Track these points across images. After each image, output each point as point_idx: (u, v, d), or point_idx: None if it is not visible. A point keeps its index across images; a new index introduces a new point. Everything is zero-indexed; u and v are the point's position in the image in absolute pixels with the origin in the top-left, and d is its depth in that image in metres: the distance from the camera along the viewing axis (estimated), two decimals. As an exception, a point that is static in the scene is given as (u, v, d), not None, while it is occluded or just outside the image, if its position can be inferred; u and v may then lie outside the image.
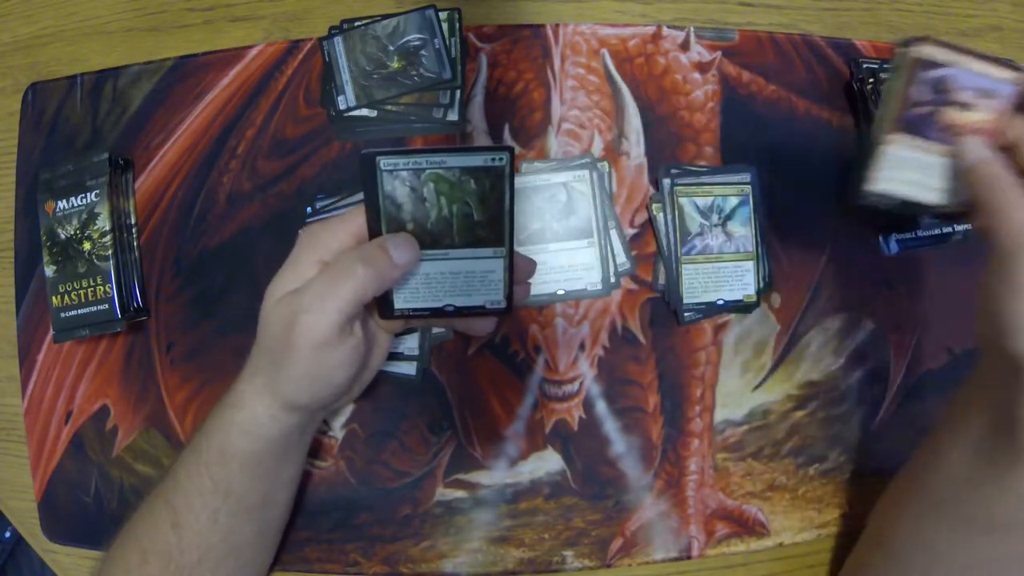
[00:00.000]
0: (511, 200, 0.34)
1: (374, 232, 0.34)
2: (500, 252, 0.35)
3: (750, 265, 0.47)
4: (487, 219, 0.34)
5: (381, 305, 0.36)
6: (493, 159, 0.32)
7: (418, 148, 0.33)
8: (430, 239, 0.34)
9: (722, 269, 0.47)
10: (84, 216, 0.46)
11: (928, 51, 0.34)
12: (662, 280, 0.48)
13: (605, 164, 0.48)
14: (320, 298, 0.32)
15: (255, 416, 0.36)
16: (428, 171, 0.33)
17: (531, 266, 0.38)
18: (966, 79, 0.34)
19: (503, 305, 0.36)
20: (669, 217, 0.47)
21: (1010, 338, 0.30)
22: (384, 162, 0.32)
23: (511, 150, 0.33)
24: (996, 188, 0.31)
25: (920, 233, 0.48)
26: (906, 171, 0.36)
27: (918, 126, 0.36)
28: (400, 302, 0.36)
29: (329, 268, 0.33)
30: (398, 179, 0.33)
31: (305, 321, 0.32)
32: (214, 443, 0.36)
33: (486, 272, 0.36)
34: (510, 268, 0.35)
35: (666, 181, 0.47)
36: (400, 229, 0.34)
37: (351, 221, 0.35)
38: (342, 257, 0.33)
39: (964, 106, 0.35)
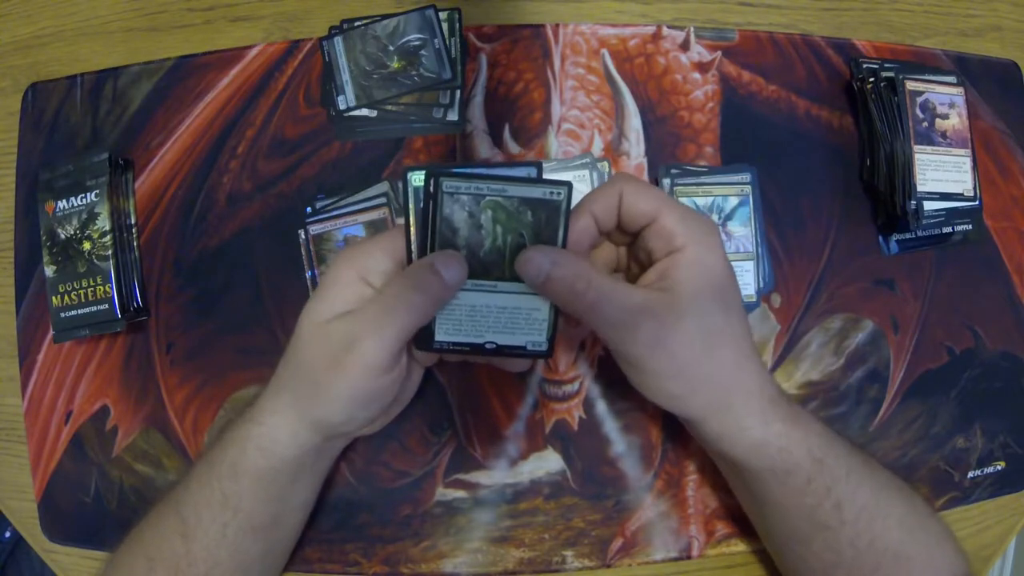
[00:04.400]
0: (564, 236, 0.33)
1: (416, 254, 0.34)
2: None
3: (750, 265, 0.47)
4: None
5: (420, 336, 0.35)
6: (552, 192, 0.32)
7: (479, 172, 0.32)
8: (481, 268, 0.33)
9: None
10: (84, 216, 0.46)
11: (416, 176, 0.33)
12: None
13: (605, 164, 0.48)
14: (379, 325, 0.32)
15: (274, 433, 0.36)
16: (488, 198, 0.32)
17: None
18: (939, 98, 0.42)
19: (544, 348, 0.35)
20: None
21: (666, 407, 0.34)
22: (447, 184, 0.32)
23: (570, 185, 0.32)
24: (576, 294, 0.31)
25: (920, 233, 0.48)
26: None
27: (928, 137, 0.44)
28: (441, 334, 0.35)
29: (385, 295, 0.33)
30: (458, 203, 0.32)
31: (364, 346, 0.32)
32: (228, 456, 0.36)
33: (531, 310, 0.34)
34: (556, 308, 0.34)
35: (666, 181, 0.47)
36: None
37: (388, 241, 0.35)
38: (395, 284, 0.33)
39: (944, 117, 0.42)
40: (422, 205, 0.32)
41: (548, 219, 0.33)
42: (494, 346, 0.35)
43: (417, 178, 0.33)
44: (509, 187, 0.32)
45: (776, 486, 0.35)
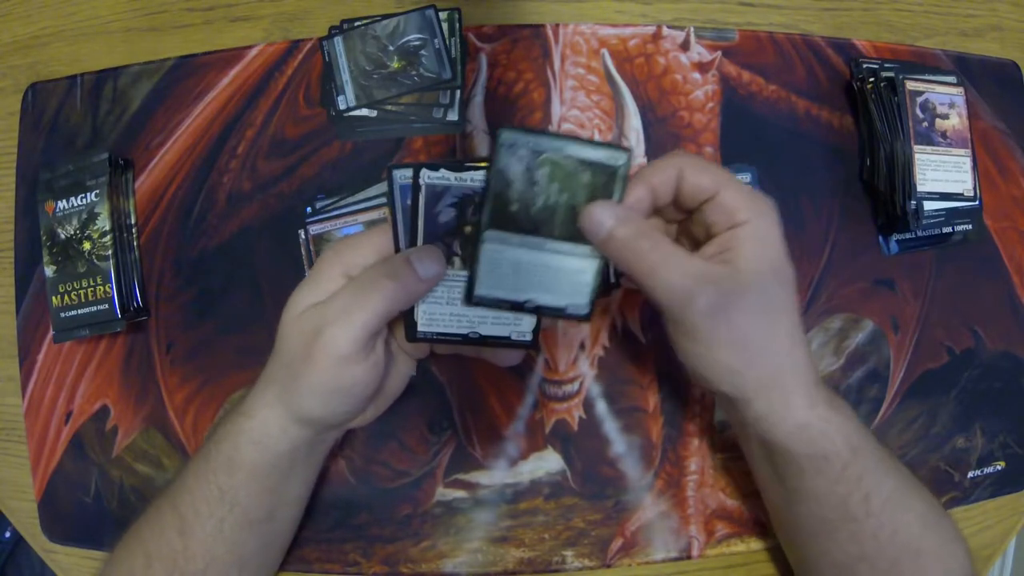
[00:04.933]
0: (620, 202, 0.33)
1: (402, 245, 0.34)
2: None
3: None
4: None
5: (407, 326, 0.35)
6: (613, 156, 0.32)
7: (541, 129, 0.32)
8: (531, 225, 0.33)
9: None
10: (84, 216, 0.46)
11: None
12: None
13: (605, 164, 0.48)
14: (346, 312, 0.32)
15: (265, 426, 0.36)
16: (546, 155, 0.32)
17: None
18: (939, 98, 0.43)
19: (585, 311, 0.35)
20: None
21: (714, 383, 0.33)
22: (505, 135, 0.31)
23: (631, 151, 0.32)
24: (638, 253, 0.31)
25: (920, 233, 0.48)
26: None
27: (928, 137, 0.44)
28: (481, 288, 0.34)
29: (355, 282, 0.33)
30: (515, 156, 0.32)
31: (330, 334, 0.32)
32: (223, 450, 0.36)
33: (577, 272, 0.34)
34: (601, 273, 0.34)
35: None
36: (504, 209, 0.33)
37: (375, 237, 0.34)
38: (368, 271, 0.33)
39: (944, 116, 0.43)
40: (408, 201, 0.33)
41: (605, 184, 0.32)
42: (534, 305, 0.34)
43: (403, 175, 0.33)
44: (569, 146, 0.32)
45: (811, 472, 0.34)
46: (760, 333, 0.32)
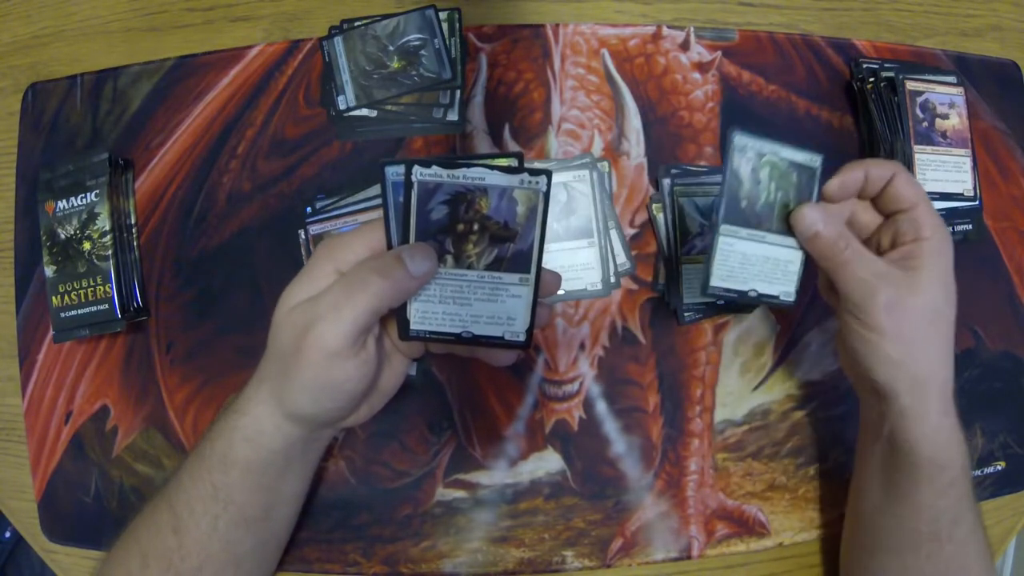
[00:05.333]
0: (817, 198, 0.37)
1: (395, 242, 0.34)
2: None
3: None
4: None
5: (399, 324, 0.35)
6: (812, 159, 0.38)
7: (763, 133, 0.37)
8: (755, 220, 0.37)
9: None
10: (84, 216, 0.46)
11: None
12: (662, 280, 0.48)
13: (605, 164, 0.48)
14: (335, 307, 0.32)
15: (258, 423, 0.35)
16: (767, 157, 0.37)
17: (556, 280, 0.37)
18: (939, 98, 0.45)
19: (793, 299, 0.38)
20: (669, 217, 0.47)
21: (874, 371, 0.36)
22: (739, 138, 0.36)
23: (824, 156, 0.37)
24: (836, 250, 0.36)
25: (920, 233, 0.48)
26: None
27: (928, 137, 0.45)
28: (716, 280, 0.37)
29: (345, 278, 0.33)
30: (744, 157, 0.37)
31: (319, 329, 0.32)
32: (217, 448, 0.36)
33: (787, 262, 0.38)
34: (804, 265, 0.37)
35: (666, 181, 0.47)
36: (736, 206, 0.37)
37: (368, 234, 0.34)
38: (359, 267, 0.33)
39: (944, 116, 0.45)
40: (401, 198, 0.32)
41: (806, 182, 0.38)
42: (756, 294, 0.38)
43: (395, 172, 0.33)
44: (783, 149, 0.37)
45: (925, 479, 0.37)
46: (924, 335, 0.36)
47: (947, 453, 0.37)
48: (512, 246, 0.33)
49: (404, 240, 0.33)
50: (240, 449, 0.36)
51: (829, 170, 0.38)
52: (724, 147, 0.37)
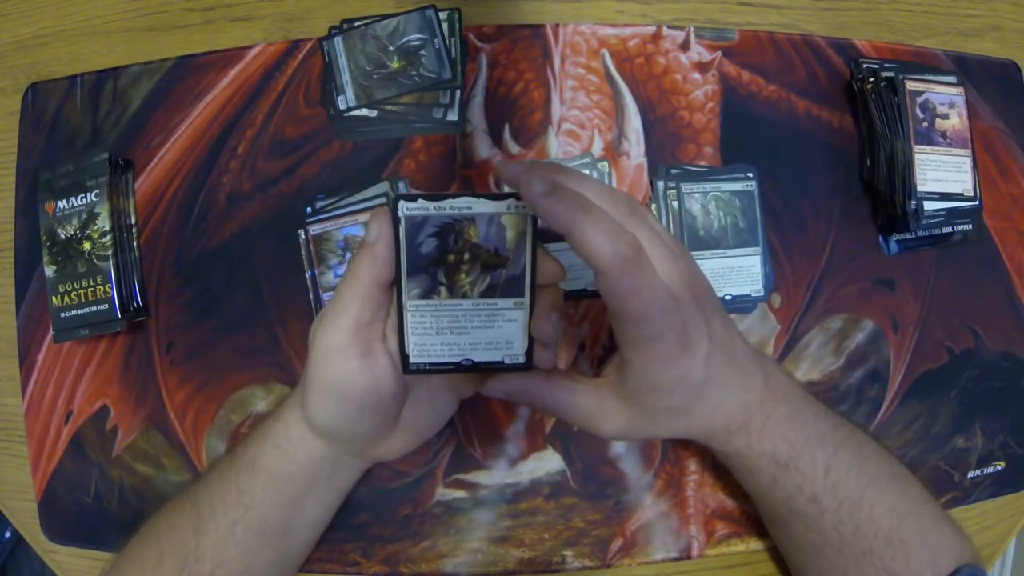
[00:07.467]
0: (762, 216, 0.45)
1: (404, 278, 0.33)
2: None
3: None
4: (748, 227, 0.47)
5: (401, 359, 0.34)
6: (748, 183, 0.46)
7: (702, 169, 0.45)
8: (714, 243, 0.46)
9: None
10: (84, 216, 0.46)
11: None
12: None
13: (605, 164, 0.48)
14: (331, 309, 0.33)
15: (287, 430, 0.37)
16: (711, 193, 0.46)
17: (558, 269, 0.35)
18: (939, 98, 0.47)
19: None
20: (665, 218, 0.47)
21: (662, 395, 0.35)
22: (685, 187, 0.46)
23: (757, 173, 0.46)
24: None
25: (920, 233, 0.48)
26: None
27: (928, 137, 0.47)
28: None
29: (336, 287, 0.35)
30: (693, 199, 0.46)
31: (321, 327, 0.34)
32: (250, 451, 0.37)
33: (746, 267, 0.46)
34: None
35: (660, 183, 0.47)
36: (696, 236, 0.46)
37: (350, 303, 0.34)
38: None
39: (944, 116, 0.47)
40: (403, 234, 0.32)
41: (748, 204, 0.46)
42: (730, 297, 0.47)
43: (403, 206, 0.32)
44: (722, 183, 0.46)
45: (743, 476, 0.40)
46: (688, 398, 0.35)
47: (752, 460, 0.37)
48: (504, 272, 0.33)
49: (397, 275, 0.33)
50: (269, 455, 0.37)
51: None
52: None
